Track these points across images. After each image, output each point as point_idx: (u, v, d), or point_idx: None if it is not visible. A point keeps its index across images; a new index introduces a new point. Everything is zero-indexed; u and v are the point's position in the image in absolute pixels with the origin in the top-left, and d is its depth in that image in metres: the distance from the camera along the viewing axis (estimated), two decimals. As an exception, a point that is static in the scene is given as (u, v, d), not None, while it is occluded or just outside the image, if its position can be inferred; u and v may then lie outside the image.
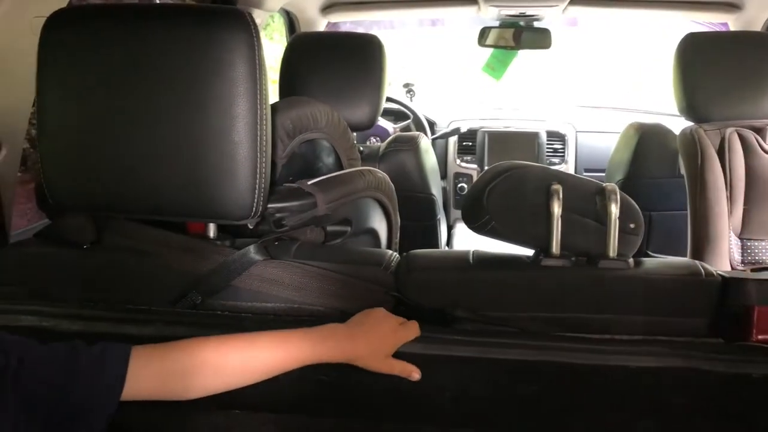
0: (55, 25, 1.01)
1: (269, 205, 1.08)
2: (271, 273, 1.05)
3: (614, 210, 1.02)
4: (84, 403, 0.80)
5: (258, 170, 1.00)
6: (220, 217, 1.04)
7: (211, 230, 1.11)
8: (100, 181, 1.02)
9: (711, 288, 1.01)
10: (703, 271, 1.03)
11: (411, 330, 0.95)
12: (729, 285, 1.00)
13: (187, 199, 1.01)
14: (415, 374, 0.91)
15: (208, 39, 0.98)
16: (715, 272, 1.02)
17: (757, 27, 2.49)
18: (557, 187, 1.02)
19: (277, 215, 1.10)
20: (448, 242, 2.81)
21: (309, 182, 1.16)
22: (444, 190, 3.11)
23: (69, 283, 1.11)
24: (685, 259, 1.07)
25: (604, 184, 1.07)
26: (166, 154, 0.99)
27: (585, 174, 3.05)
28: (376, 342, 0.93)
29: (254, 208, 1.01)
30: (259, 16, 2.30)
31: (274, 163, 1.15)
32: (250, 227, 1.09)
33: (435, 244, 2.32)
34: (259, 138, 0.99)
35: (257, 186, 1.00)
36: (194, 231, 1.14)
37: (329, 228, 1.18)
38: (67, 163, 1.03)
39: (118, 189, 1.03)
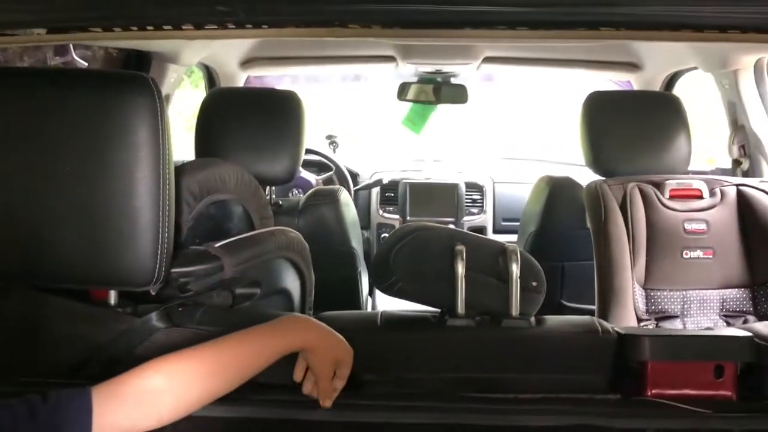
0: None
1: (173, 270, 1.06)
2: (173, 341, 1.02)
3: (515, 269, 1.05)
4: None
5: (160, 235, 0.98)
6: (121, 283, 1.02)
7: (113, 297, 1.08)
8: None
9: (608, 344, 1.04)
10: (600, 328, 1.06)
11: None
12: (624, 341, 1.04)
13: (87, 266, 0.99)
14: (328, 403, 0.92)
15: (110, 104, 0.97)
16: (611, 329, 1.06)
17: (656, 86, 2.67)
18: (461, 247, 1.05)
19: (182, 280, 1.08)
20: (371, 293, 2.82)
21: (216, 245, 1.15)
22: (367, 240, 3.12)
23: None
24: (584, 317, 1.11)
25: (506, 244, 1.10)
26: (66, 219, 0.97)
27: (503, 223, 3.14)
28: (328, 335, 0.93)
29: (157, 274, 0.99)
30: (175, 71, 2.30)
31: (179, 226, 1.13)
32: (153, 293, 1.07)
33: (356, 297, 2.32)
34: (161, 202, 0.98)
35: (160, 251, 0.98)
36: (98, 297, 1.11)
37: (237, 291, 1.17)
38: None
39: (17, 256, 1.00)
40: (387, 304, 2.10)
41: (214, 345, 0.89)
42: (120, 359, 1.02)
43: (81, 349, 1.03)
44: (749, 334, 1.03)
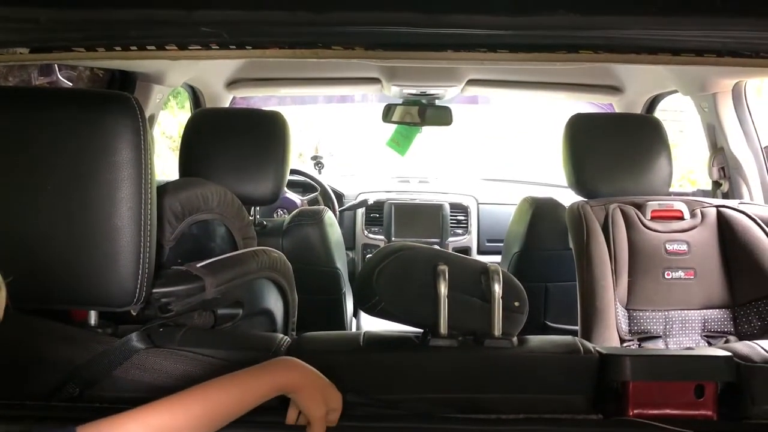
0: None
1: (155, 290, 1.06)
2: (153, 362, 1.02)
3: (497, 289, 1.06)
4: None
5: (142, 255, 0.98)
6: (101, 304, 1.01)
7: (93, 317, 1.07)
8: None
9: (589, 364, 1.05)
10: (581, 348, 1.07)
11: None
12: (606, 361, 1.04)
13: (67, 286, 0.99)
14: None
15: (93, 123, 0.97)
16: (593, 349, 1.07)
17: (638, 109, 2.70)
18: (443, 267, 1.05)
19: (163, 300, 1.07)
20: (355, 314, 2.81)
21: (198, 265, 1.14)
22: (352, 261, 3.12)
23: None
24: (566, 337, 1.11)
25: (488, 264, 1.10)
26: (46, 238, 0.97)
27: (488, 244, 3.15)
28: (315, 375, 0.92)
29: (137, 294, 0.99)
30: (160, 91, 2.30)
31: (161, 246, 1.13)
32: (134, 314, 1.06)
33: (340, 317, 2.31)
34: (143, 222, 0.98)
35: (141, 271, 0.98)
36: (77, 318, 1.09)
37: (219, 311, 1.16)
38: None
39: None
40: (372, 324, 2.09)
41: (200, 395, 0.87)
42: (99, 380, 1.02)
43: (60, 370, 1.02)
44: (729, 353, 1.04)
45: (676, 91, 2.47)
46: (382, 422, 0.96)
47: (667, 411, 1.00)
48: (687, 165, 4.78)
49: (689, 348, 1.73)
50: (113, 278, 0.97)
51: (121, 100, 0.99)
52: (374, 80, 2.67)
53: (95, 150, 0.96)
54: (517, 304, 1.10)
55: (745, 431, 0.99)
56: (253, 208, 2.10)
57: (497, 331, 1.06)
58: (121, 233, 0.96)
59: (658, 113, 2.80)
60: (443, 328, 1.05)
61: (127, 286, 0.98)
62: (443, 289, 1.04)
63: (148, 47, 1.03)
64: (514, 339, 1.08)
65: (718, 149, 2.31)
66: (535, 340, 1.11)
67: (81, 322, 1.08)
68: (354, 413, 1.00)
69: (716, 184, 2.35)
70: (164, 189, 1.16)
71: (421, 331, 1.09)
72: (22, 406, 0.98)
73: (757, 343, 1.09)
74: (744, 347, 1.07)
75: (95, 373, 1.01)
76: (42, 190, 0.96)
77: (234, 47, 1.02)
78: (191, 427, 0.86)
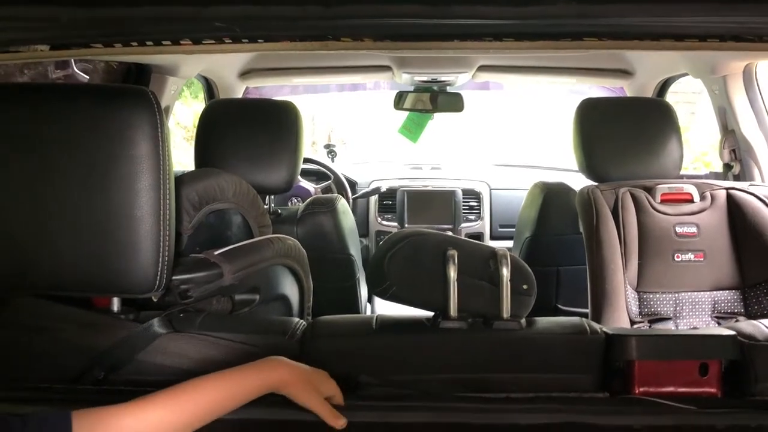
0: None
1: (174, 277, 1.09)
2: (174, 346, 1.06)
3: (505, 273, 1.08)
4: None
5: (161, 243, 1.01)
6: (123, 291, 1.05)
7: (115, 304, 1.11)
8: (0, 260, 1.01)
9: (596, 345, 1.07)
10: (588, 329, 1.09)
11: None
12: (612, 341, 1.07)
13: (90, 275, 1.02)
14: (341, 421, 0.94)
15: (112, 118, 1.01)
16: (599, 329, 1.09)
17: (649, 92, 2.70)
18: (453, 252, 1.08)
19: (183, 287, 1.11)
20: (370, 299, 2.85)
21: (216, 252, 1.18)
22: (366, 248, 3.16)
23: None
24: (573, 318, 1.14)
25: (496, 248, 1.13)
26: (67, 230, 1.00)
27: (500, 230, 3.17)
28: (300, 369, 0.96)
29: (158, 282, 1.02)
30: (175, 83, 2.33)
31: (179, 235, 1.17)
32: (154, 300, 1.10)
33: (355, 303, 2.35)
34: (162, 212, 1.01)
35: (161, 259, 1.02)
36: (100, 305, 1.14)
37: (237, 297, 1.20)
38: None
39: (18, 267, 1.03)
40: (386, 310, 2.13)
41: (192, 391, 0.91)
42: (124, 364, 1.06)
43: (85, 355, 1.06)
44: (733, 332, 1.06)
45: (686, 74, 2.47)
46: (394, 401, 0.99)
47: (672, 389, 1.02)
48: (701, 147, 4.76)
49: (694, 328, 1.75)
50: (135, 266, 1.01)
51: (138, 95, 1.02)
52: (385, 68, 2.70)
53: (114, 143, 1.00)
54: (525, 287, 1.13)
55: (748, 407, 1.01)
56: (267, 196, 2.14)
57: (506, 313, 1.09)
58: (142, 223, 1.00)
59: (670, 95, 2.80)
60: (453, 310, 1.08)
61: (148, 273, 1.01)
62: (453, 273, 1.07)
63: (164, 42, 1.06)
64: (523, 321, 1.11)
65: (729, 132, 2.31)
66: (543, 321, 1.14)
67: (104, 309, 1.13)
68: (367, 393, 1.03)
69: (727, 167, 2.36)
70: (181, 180, 1.20)
71: (432, 314, 1.13)
72: (48, 389, 1.02)
73: (761, 322, 1.11)
74: (748, 326, 1.10)
75: (119, 358, 1.05)
76: (64, 183, 1.00)
77: (246, 41, 1.05)
78: (183, 422, 0.89)
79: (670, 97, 2.77)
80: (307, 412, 0.95)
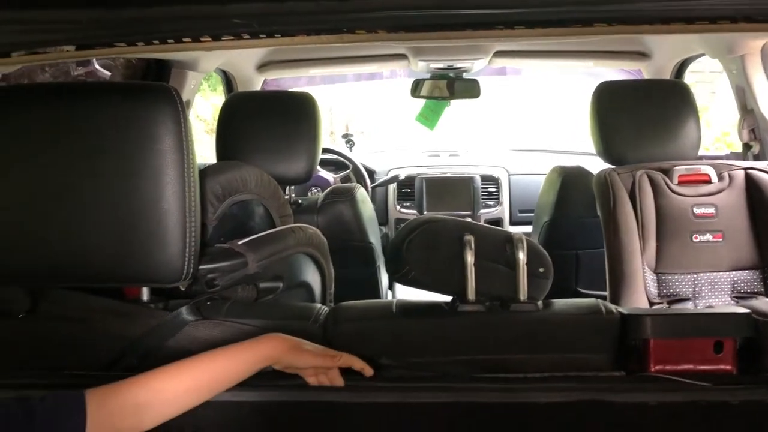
0: None
1: (201, 267, 1.13)
2: (203, 333, 1.10)
3: (522, 256, 1.11)
4: None
5: (188, 235, 1.05)
6: (152, 281, 1.09)
7: (145, 294, 1.15)
8: (33, 254, 1.06)
9: (612, 325, 1.10)
10: (604, 309, 1.12)
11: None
12: (627, 321, 1.09)
13: (119, 267, 1.06)
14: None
15: (136, 115, 1.04)
16: (615, 310, 1.12)
17: (666, 74, 2.69)
18: (469, 237, 1.11)
19: (209, 276, 1.15)
20: (390, 287, 2.88)
21: (240, 242, 1.22)
22: (386, 236, 3.19)
23: (4, 353, 1.13)
24: (589, 300, 1.16)
25: (512, 233, 1.15)
26: (97, 224, 1.04)
27: (520, 215, 3.18)
28: (291, 338, 1.01)
29: (185, 271, 1.06)
30: (194, 77, 2.38)
31: (204, 226, 1.21)
32: (182, 289, 1.14)
33: (376, 290, 2.38)
34: (187, 204, 1.05)
35: (187, 250, 1.05)
36: (130, 295, 1.18)
37: (261, 285, 1.23)
38: None
39: (51, 261, 1.06)
40: (406, 296, 2.16)
41: (200, 363, 0.98)
42: (154, 351, 1.10)
43: (117, 343, 1.10)
44: (747, 310, 1.08)
45: (703, 54, 2.46)
46: (414, 382, 1.03)
47: (687, 367, 1.04)
48: (722, 127, 4.71)
49: (709, 307, 1.76)
50: (163, 257, 1.05)
51: (161, 92, 1.05)
52: (401, 56, 2.71)
53: (140, 139, 1.03)
54: (542, 270, 1.15)
55: (763, 383, 1.02)
56: (288, 187, 2.18)
57: (523, 295, 1.11)
58: (168, 215, 1.04)
59: (689, 75, 2.78)
60: (471, 294, 1.11)
61: (176, 263, 1.05)
62: (470, 257, 1.10)
63: (184, 40, 1.10)
64: (539, 303, 1.13)
65: (748, 111, 2.29)
66: (560, 303, 1.16)
67: (134, 299, 1.17)
68: (388, 374, 1.07)
69: (747, 147, 2.34)
70: (204, 173, 1.23)
71: (450, 298, 1.15)
72: (87, 376, 1.07)
73: (776, 301, 1.12)
74: (763, 304, 1.12)
75: (151, 345, 1.10)
76: (94, 180, 1.04)
77: (264, 36, 1.08)
78: (191, 391, 0.95)
79: (690, 77, 2.76)
80: (329, 393, 0.99)
